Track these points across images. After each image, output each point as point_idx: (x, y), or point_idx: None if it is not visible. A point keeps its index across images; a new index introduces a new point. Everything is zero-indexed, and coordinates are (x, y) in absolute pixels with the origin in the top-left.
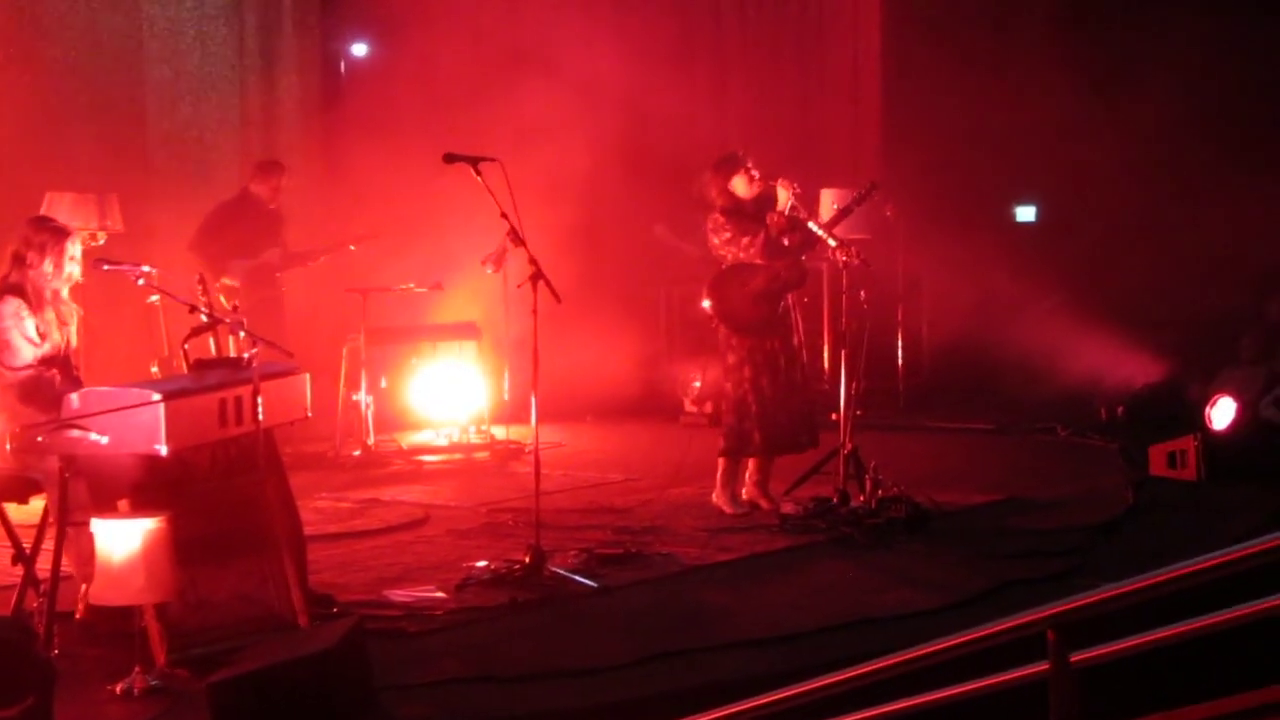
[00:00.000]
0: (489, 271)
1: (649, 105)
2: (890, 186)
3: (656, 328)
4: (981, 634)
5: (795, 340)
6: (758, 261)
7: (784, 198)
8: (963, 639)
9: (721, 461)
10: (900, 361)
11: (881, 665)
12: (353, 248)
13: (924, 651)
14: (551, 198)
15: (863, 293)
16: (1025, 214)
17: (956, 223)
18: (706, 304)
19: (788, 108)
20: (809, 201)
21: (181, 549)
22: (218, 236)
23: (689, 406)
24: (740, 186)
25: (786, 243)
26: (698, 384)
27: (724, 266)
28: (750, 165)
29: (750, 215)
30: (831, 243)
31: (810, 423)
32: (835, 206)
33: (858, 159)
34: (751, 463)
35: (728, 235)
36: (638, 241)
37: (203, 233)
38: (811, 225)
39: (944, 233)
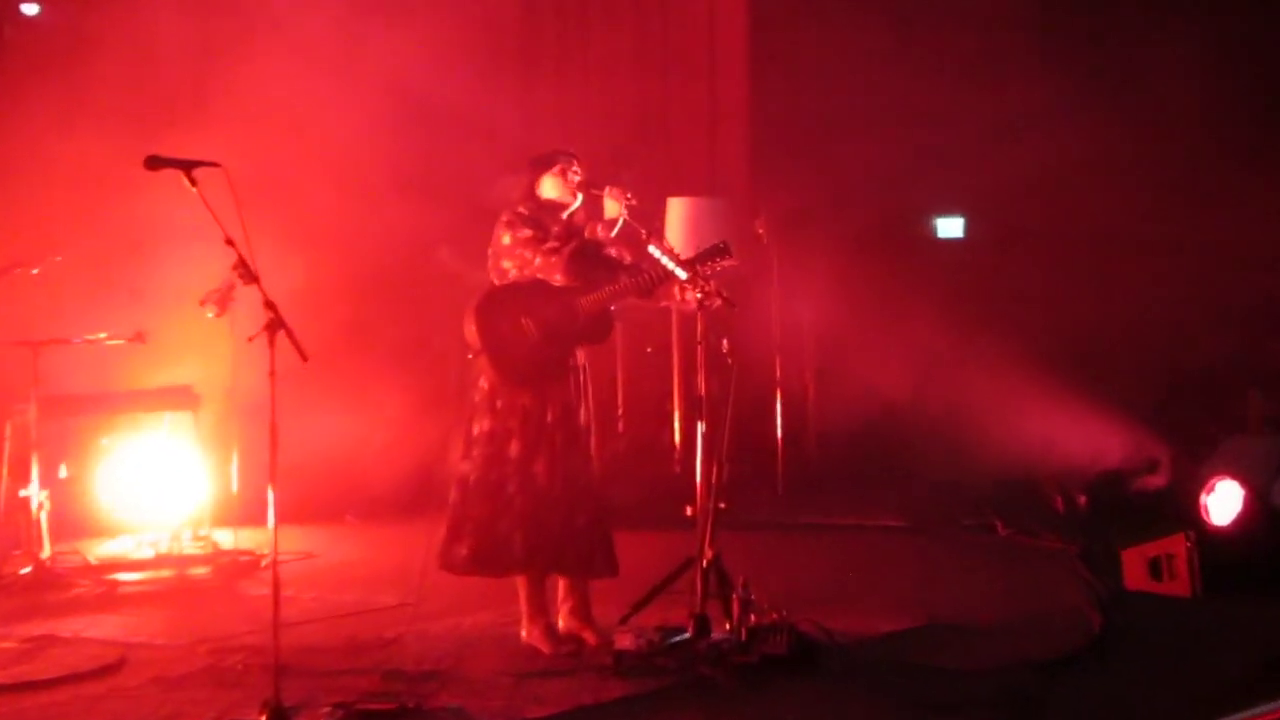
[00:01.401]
0: (210, 316)
1: (435, 101)
2: (762, 197)
3: (444, 388)
4: None
5: (583, 416)
6: (558, 278)
7: (614, 210)
8: None
9: (521, 581)
10: (780, 434)
11: None
12: (35, 271)
13: None
14: (301, 218)
15: (725, 342)
16: (949, 229)
17: (853, 243)
18: (470, 330)
19: (621, 100)
20: (649, 217)
21: None
22: None
23: None
24: (549, 187)
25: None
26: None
27: (505, 281)
28: (574, 166)
29: (556, 233)
30: (680, 274)
31: (604, 539)
32: (676, 252)
33: (717, 162)
34: (561, 582)
35: (527, 234)
36: (418, 273)
37: None
38: (653, 249)
39: (836, 257)
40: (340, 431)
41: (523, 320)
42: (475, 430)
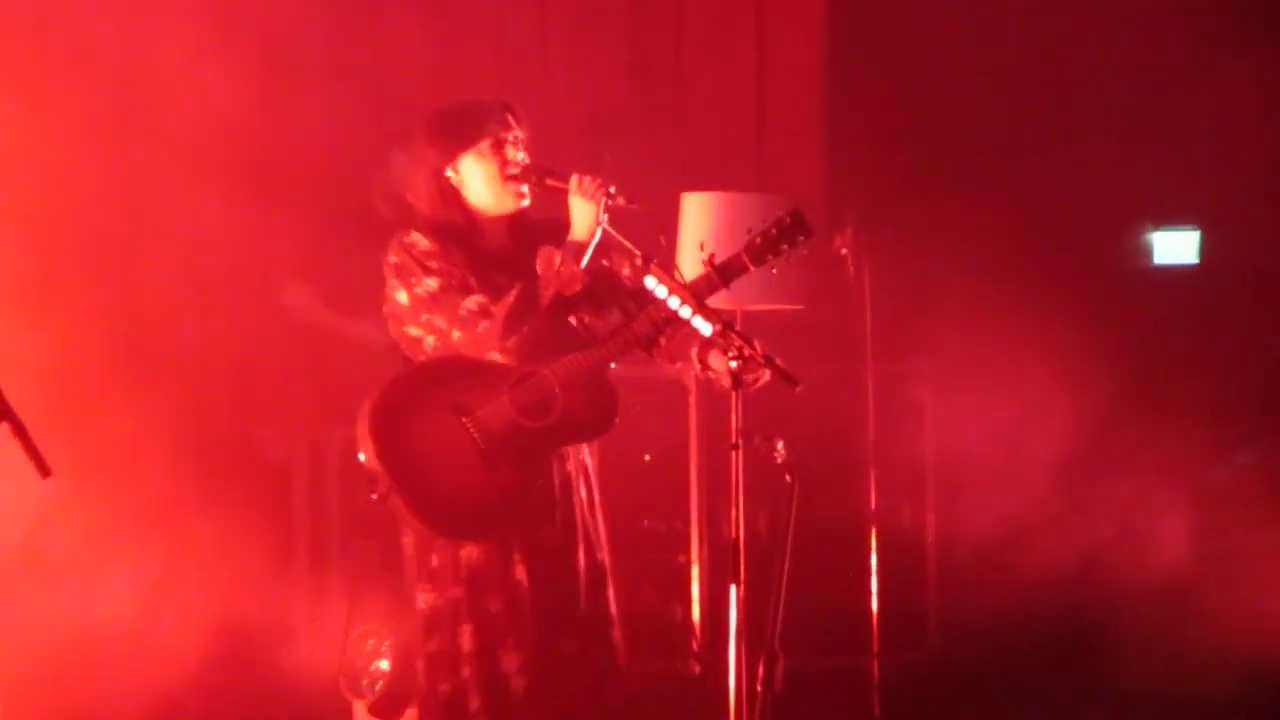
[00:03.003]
0: None
1: (279, 34)
2: (846, 198)
3: (290, 526)
4: None
5: (582, 558)
6: (494, 354)
7: (584, 215)
8: None
9: None
10: (875, 607)
11: None
12: None
13: None
14: (48, 237)
15: (780, 444)
16: (1175, 249)
17: (1008, 276)
18: (364, 454)
19: (603, 38)
20: (649, 224)
21: None
22: None
23: (361, 717)
24: (473, 179)
25: (579, 320)
26: (385, 662)
27: (417, 362)
28: (514, 132)
29: (494, 257)
30: (704, 328)
31: None
32: (704, 252)
33: (767, 137)
34: None
35: (431, 286)
36: (243, 326)
37: None
38: (652, 282)
39: (977, 299)
40: (98, 602)
41: (457, 420)
42: (419, 605)
